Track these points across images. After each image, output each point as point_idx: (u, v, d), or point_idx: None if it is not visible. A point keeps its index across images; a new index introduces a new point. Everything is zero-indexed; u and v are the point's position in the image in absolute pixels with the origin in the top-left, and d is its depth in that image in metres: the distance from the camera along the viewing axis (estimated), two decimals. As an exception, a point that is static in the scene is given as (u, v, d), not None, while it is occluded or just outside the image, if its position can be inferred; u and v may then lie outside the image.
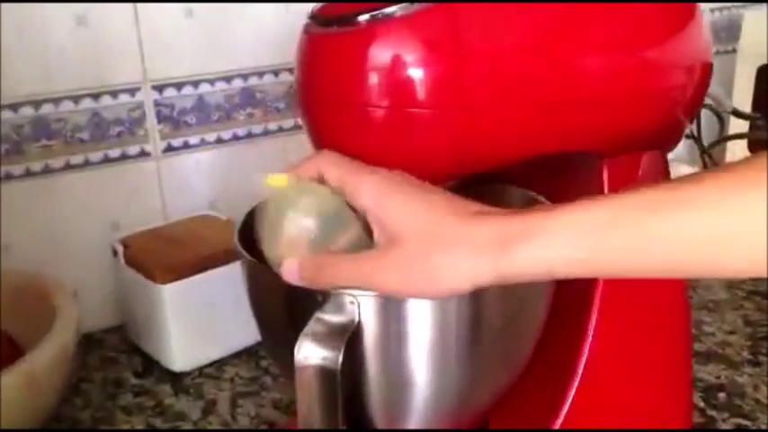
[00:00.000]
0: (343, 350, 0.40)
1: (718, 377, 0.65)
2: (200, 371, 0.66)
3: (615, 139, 0.49)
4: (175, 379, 0.65)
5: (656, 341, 0.56)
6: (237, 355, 0.68)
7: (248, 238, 0.48)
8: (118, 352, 0.70)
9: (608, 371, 0.53)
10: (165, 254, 0.65)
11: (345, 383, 0.41)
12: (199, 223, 0.70)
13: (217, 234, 0.67)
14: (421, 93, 0.42)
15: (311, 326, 0.41)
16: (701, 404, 0.62)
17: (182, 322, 0.63)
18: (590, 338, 0.52)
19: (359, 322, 0.41)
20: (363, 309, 0.41)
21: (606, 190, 0.51)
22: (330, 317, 0.41)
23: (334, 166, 0.41)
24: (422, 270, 0.38)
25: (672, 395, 0.58)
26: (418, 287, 0.38)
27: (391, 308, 0.42)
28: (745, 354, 0.68)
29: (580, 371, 0.52)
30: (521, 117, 0.44)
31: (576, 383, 0.52)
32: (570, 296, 0.50)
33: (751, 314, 0.75)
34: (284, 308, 0.44)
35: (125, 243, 0.66)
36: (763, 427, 0.59)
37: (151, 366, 0.67)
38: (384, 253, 0.39)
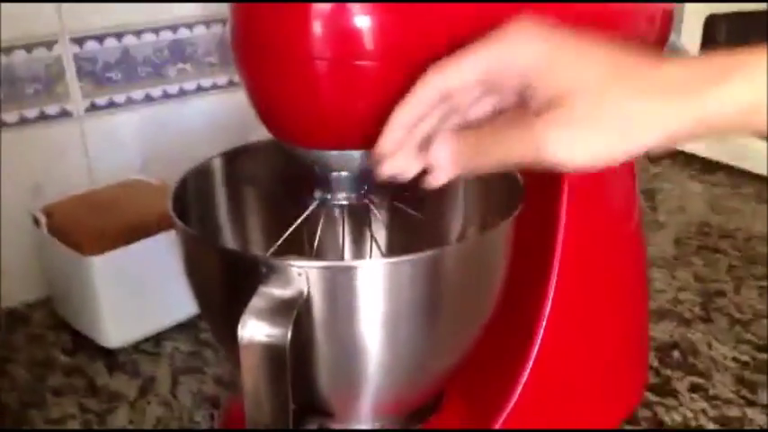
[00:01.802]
0: (291, 326, 0.37)
1: (671, 335, 0.64)
2: (136, 347, 0.62)
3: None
4: (109, 356, 0.61)
5: (614, 304, 0.54)
6: (176, 328, 0.64)
7: (184, 205, 0.44)
8: (45, 328, 0.65)
9: (568, 335, 0.51)
10: (93, 222, 0.60)
11: (294, 360, 0.38)
12: (128, 188, 0.65)
13: (148, 200, 0.63)
14: (369, 43, 0.38)
15: (255, 301, 0.37)
16: (656, 363, 0.61)
17: (113, 296, 0.59)
18: (550, 301, 0.50)
19: (308, 295, 0.38)
20: (312, 280, 0.38)
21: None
22: (276, 290, 0.38)
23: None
24: (609, 122, 0.32)
25: (630, 356, 0.57)
26: (603, 145, 0.33)
27: (343, 278, 0.38)
28: (697, 310, 0.68)
29: (539, 336, 0.50)
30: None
31: (535, 349, 0.50)
32: (529, 258, 0.48)
33: (700, 270, 0.74)
34: (224, 282, 0.41)
35: (48, 211, 0.61)
36: (717, 383, 0.58)
37: (82, 343, 0.62)
38: (557, 112, 0.33)
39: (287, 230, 0.45)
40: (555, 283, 0.50)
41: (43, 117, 0.66)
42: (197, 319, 0.64)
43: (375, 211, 0.47)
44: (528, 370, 0.50)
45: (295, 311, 0.37)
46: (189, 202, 0.44)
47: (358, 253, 0.52)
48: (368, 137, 0.41)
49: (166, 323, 0.63)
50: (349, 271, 0.38)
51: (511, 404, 0.50)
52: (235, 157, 0.48)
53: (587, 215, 0.50)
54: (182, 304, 0.61)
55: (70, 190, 0.65)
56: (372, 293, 0.39)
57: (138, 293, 0.60)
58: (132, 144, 0.71)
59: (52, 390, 0.57)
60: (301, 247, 0.48)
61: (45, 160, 0.66)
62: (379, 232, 0.50)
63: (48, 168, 0.67)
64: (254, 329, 0.37)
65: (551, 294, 0.50)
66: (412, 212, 0.50)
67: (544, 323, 0.50)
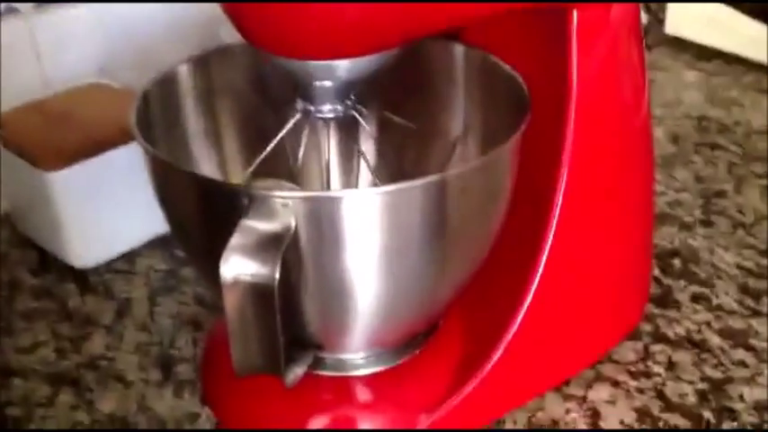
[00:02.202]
0: (279, 264, 0.33)
1: (671, 242, 0.61)
2: (109, 266, 0.58)
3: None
4: (80, 277, 0.57)
5: (623, 208, 0.50)
6: (149, 244, 0.59)
7: (148, 122, 0.39)
8: (9, 246, 0.60)
9: (575, 245, 0.47)
10: (50, 134, 0.54)
11: (283, 300, 0.34)
12: (88, 94, 0.59)
13: (110, 107, 0.57)
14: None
15: (238, 236, 0.33)
16: (657, 272, 0.58)
17: (78, 213, 0.54)
18: (558, 207, 0.45)
19: (296, 229, 0.34)
20: (299, 212, 0.34)
21: (575, 45, 0.43)
22: (260, 224, 0.34)
23: None
24: None
25: (635, 267, 0.54)
26: None
27: (335, 208, 0.34)
28: (698, 213, 0.65)
29: (546, 248, 0.46)
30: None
31: (541, 262, 0.46)
32: (535, 158, 0.44)
33: (701, 169, 0.71)
34: (201, 212, 0.37)
35: (0, 122, 0.56)
36: (720, 292, 0.56)
37: (50, 263, 0.58)
38: None
39: (266, 147, 0.41)
40: (564, 186, 0.45)
41: (-13, 14, 0.59)
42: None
43: (363, 123, 0.42)
44: (534, 285, 0.47)
45: (283, 247, 0.33)
46: (154, 118, 0.39)
47: (346, 172, 0.48)
48: (355, 44, 0.36)
49: (139, 239, 0.59)
50: (339, 201, 0.34)
51: (515, 324, 0.47)
52: (205, 63, 0.43)
53: (598, 103, 0.46)
54: (154, 219, 0.55)
55: (22, 97, 0.59)
56: (364, 225, 0.35)
57: (105, 209, 0.56)
58: (89, 45, 0.64)
59: (21, 314, 0.54)
60: (284, 165, 0.44)
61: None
62: (369, 146, 0.46)
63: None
64: (239, 267, 0.33)
65: (560, 199, 0.46)
66: (404, 123, 0.46)
67: (552, 232, 0.46)
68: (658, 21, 0.98)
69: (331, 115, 0.40)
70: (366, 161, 0.44)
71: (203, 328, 0.52)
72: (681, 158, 0.72)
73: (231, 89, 0.44)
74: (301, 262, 0.35)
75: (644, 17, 0.99)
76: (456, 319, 0.47)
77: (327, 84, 0.39)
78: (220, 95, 0.44)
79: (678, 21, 0.96)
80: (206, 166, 0.43)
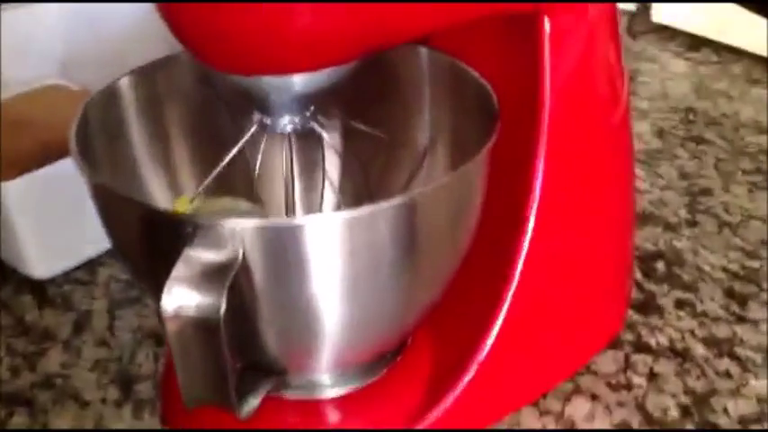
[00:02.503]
0: (225, 296, 0.31)
1: (655, 243, 0.59)
2: (68, 276, 0.55)
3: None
4: (38, 288, 0.55)
5: (602, 210, 0.48)
6: (110, 253, 0.57)
7: (89, 141, 0.37)
8: (-35, 256, 0.58)
9: (551, 251, 0.45)
10: (5, 141, 0.52)
11: (235, 324, 0.32)
12: (46, 97, 0.57)
13: (68, 110, 0.53)
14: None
15: (181, 266, 0.31)
16: (639, 276, 0.56)
17: (33, 223, 0.52)
18: (533, 211, 0.43)
19: (244, 258, 0.32)
20: (249, 241, 0.31)
21: (547, 51, 0.41)
22: (205, 253, 0.31)
23: None
24: None
25: (616, 272, 0.52)
26: None
27: (287, 237, 0.32)
28: (683, 213, 0.63)
29: (521, 255, 0.44)
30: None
31: (517, 270, 0.44)
32: (506, 183, 0.42)
33: (686, 164, 0.69)
34: (145, 242, 0.34)
35: (-49, 128, 0.53)
36: (705, 297, 0.54)
37: (5, 274, 0.56)
38: None
39: (221, 161, 0.38)
40: (538, 192, 0.43)
41: (-64, 13, 0.56)
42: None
43: (325, 136, 0.40)
44: (508, 295, 0.45)
45: (229, 278, 0.31)
46: (95, 135, 0.37)
47: (309, 187, 0.45)
48: (310, 58, 0.33)
49: (100, 248, 0.56)
50: (294, 230, 0.32)
51: (488, 338, 0.45)
52: (150, 74, 0.40)
53: (571, 107, 0.43)
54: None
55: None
56: (325, 253, 0.32)
57: (63, 218, 0.53)
58: (49, 43, 0.61)
59: (-26, 330, 0.52)
60: (243, 179, 0.41)
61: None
62: (333, 158, 0.43)
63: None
64: (181, 299, 0.31)
65: (534, 205, 0.44)
66: (373, 131, 0.44)
67: (526, 239, 0.44)
68: (645, 8, 0.95)
69: (289, 128, 0.38)
70: (328, 177, 0.42)
71: (164, 342, 0.50)
72: (666, 154, 0.70)
73: (181, 100, 0.41)
74: (255, 290, 0.33)
75: (631, 5, 0.96)
76: (426, 335, 0.45)
77: (284, 97, 0.36)
78: (169, 107, 0.41)
79: (665, 8, 0.93)
80: (155, 184, 0.41)
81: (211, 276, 0.31)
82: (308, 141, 0.43)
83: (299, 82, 0.35)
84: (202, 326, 0.31)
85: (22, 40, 0.60)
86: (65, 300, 0.54)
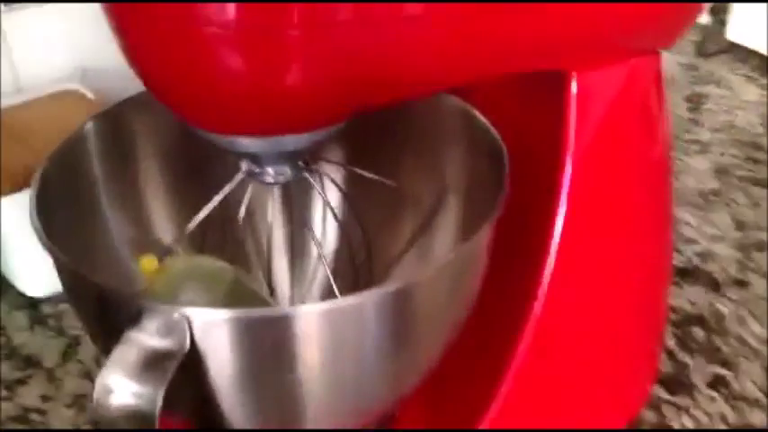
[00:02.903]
0: (164, 387, 0.28)
1: (694, 303, 0.54)
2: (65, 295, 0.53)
3: (585, 46, 0.34)
4: (33, 306, 0.53)
5: (628, 265, 0.43)
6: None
7: (54, 194, 0.34)
8: (-32, 263, 0.57)
9: (567, 311, 0.40)
10: (7, 151, 0.50)
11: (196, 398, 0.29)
12: (56, 104, 0.55)
13: (77, 121, 0.52)
14: (289, 8, 0.26)
15: (121, 349, 0.28)
16: (672, 343, 0.51)
17: (28, 240, 0.50)
18: (550, 265, 0.39)
19: (192, 348, 0.28)
20: (199, 329, 0.28)
21: (573, 114, 0.36)
22: (149, 338, 0.28)
23: None
24: None
25: (642, 338, 0.47)
26: None
27: (247, 329, 0.28)
28: (732, 270, 0.57)
29: (534, 312, 0.39)
30: (442, 31, 0.28)
31: (527, 330, 0.40)
32: (520, 238, 0.38)
33: (744, 212, 0.62)
34: (97, 315, 0.31)
35: (-47, 135, 0.51)
36: (743, 376, 0.48)
37: (5, 288, 0.54)
38: None
39: (197, 215, 0.35)
40: (555, 248, 0.39)
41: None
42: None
43: (319, 190, 0.36)
44: (514, 363, 0.40)
45: (172, 369, 0.28)
46: (60, 192, 0.34)
47: (299, 243, 0.41)
48: (301, 121, 0.30)
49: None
50: (257, 324, 0.28)
51: (490, 408, 0.41)
52: (121, 114, 0.37)
53: (597, 153, 0.39)
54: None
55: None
56: (298, 345, 0.29)
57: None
58: (67, 47, 0.59)
59: (-37, 348, 0.50)
60: (224, 230, 0.38)
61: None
62: (329, 209, 0.39)
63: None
64: (115, 385, 0.28)
65: (550, 262, 0.39)
66: (376, 178, 0.39)
67: (540, 301, 0.40)
68: (720, 23, 0.88)
69: (279, 179, 0.34)
70: (316, 241, 0.38)
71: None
72: (722, 197, 0.64)
73: (156, 140, 0.38)
74: (209, 378, 0.29)
75: (705, 18, 0.89)
76: (415, 409, 0.41)
77: (270, 153, 0.33)
78: (142, 148, 0.38)
79: (742, 26, 0.86)
80: (126, 238, 0.37)
81: (153, 364, 0.28)
82: (301, 187, 0.39)
83: (287, 141, 0.31)
84: (137, 418, 0.28)
85: (37, 43, 0.58)
86: (57, 321, 0.52)
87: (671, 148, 0.44)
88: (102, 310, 0.30)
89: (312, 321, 0.28)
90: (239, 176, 0.35)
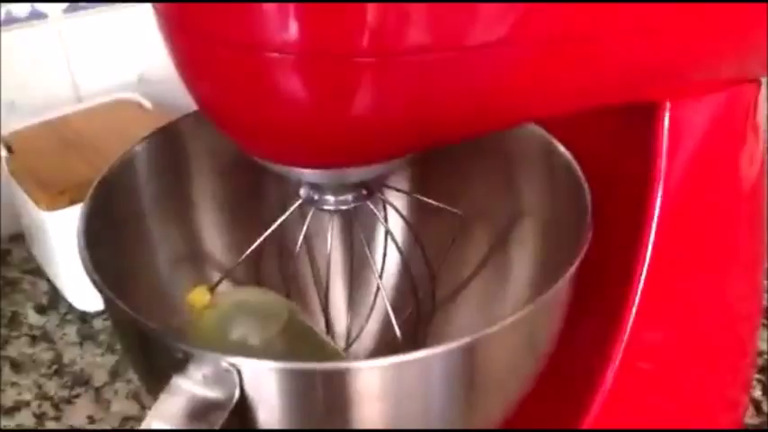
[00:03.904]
0: (213, 440, 0.25)
1: (784, 349, 0.50)
2: (116, 310, 0.52)
3: (682, 75, 0.31)
4: (84, 320, 0.51)
5: (718, 304, 0.39)
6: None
7: (105, 214, 0.32)
8: (22, 271, 0.56)
9: (651, 349, 0.37)
10: (56, 165, 0.48)
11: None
12: (113, 113, 0.53)
13: (132, 131, 0.50)
14: (360, 33, 0.23)
15: (166, 398, 0.26)
16: (758, 393, 0.47)
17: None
18: (636, 301, 0.36)
19: (241, 398, 0.26)
20: (249, 380, 0.26)
21: (665, 145, 0.33)
22: (197, 386, 0.26)
23: None
24: None
25: (727, 384, 0.43)
26: None
27: (301, 385, 0.26)
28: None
29: (614, 365, 0.36)
30: (527, 58, 0.25)
31: (606, 386, 0.37)
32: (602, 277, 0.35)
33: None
34: (141, 357, 0.29)
35: (9, 144, 0.50)
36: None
37: (57, 298, 0.53)
38: None
39: (252, 245, 0.33)
40: (643, 279, 0.36)
41: (10, 20, 0.53)
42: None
43: (381, 219, 0.34)
44: (595, 404, 0.37)
45: (220, 421, 0.26)
46: (111, 208, 0.32)
47: (359, 276, 0.39)
48: (364, 154, 0.27)
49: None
50: (311, 377, 0.26)
51: None
52: (174, 135, 0.35)
53: (687, 201, 0.35)
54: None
55: (53, 111, 0.54)
56: (355, 402, 0.26)
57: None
58: (126, 53, 0.58)
59: (11, 361, 0.49)
60: (279, 259, 0.36)
61: (16, 74, 0.54)
62: (391, 238, 0.36)
63: (22, 84, 0.54)
64: (162, 439, 0.26)
65: (637, 298, 0.36)
66: (443, 206, 0.37)
67: (623, 344, 0.36)
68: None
69: (340, 207, 0.32)
70: (375, 271, 0.35)
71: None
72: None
73: (209, 162, 0.36)
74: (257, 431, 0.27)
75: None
76: None
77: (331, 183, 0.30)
78: (196, 171, 0.36)
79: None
80: (175, 261, 0.35)
81: (200, 415, 0.26)
82: (363, 214, 0.36)
83: (350, 173, 0.29)
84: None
85: (95, 49, 0.56)
86: (109, 338, 0.50)
87: (765, 180, 0.41)
88: (148, 351, 0.28)
89: (371, 377, 0.26)
90: (297, 204, 0.33)
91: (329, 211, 0.32)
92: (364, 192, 0.33)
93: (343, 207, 0.32)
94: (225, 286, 0.36)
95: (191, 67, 0.26)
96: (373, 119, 0.25)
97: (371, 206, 0.33)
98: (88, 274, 0.28)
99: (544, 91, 0.27)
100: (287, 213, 0.33)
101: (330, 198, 0.32)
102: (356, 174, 0.29)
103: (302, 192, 0.33)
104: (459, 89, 0.25)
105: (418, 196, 0.37)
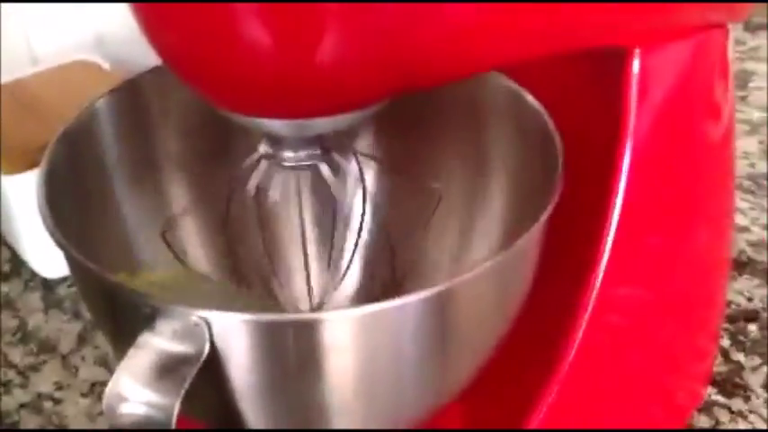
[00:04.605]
0: (181, 396, 0.25)
1: (750, 298, 0.50)
2: (81, 276, 0.51)
3: (651, 19, 0.31)
4: (48, 287, 0.50)
5: (688, 257, 0.40)
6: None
7: (63, 177, 0.31)
8: (-19, 241, 0.54)
9: (622, 306, 0.37)
10: (13, 129, 0.47)
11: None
12: (71, 74, 0.52)
13: (91, 93, 0.49)
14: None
15: (134, 354, 0.25)
16: (726, 341, 0.47)
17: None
18: (605, 256, 0.36)
19: (211, 352, 0.25)
20: (218, 334, 0.25)
21: (634, 94, 0.33)
22: (165, 342, 0.25)
23: None
24: None
25: (698, 336, 0.43)
26: None
27: (271, 334, 0.26)
28: (790, 259, 0.53)
29: (588, 308, 0.36)
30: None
31: (581, 326, 0.37)
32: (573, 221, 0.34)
33: (800, 195, 0.58)
34: (108, 315, 0.28)
35: (-36, 108, 0.49)
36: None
37: (20, 265, 0.52)
38: None
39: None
40: (613, 231, 0.36)
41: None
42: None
43: (353, 169, 0.33)
44: (564, 363, 0.37)
45: (189, 375, 0.25)
46: (71, 169, 0.31)
47: (323, 235, 0.38)
48: (328, 102, 0.27)
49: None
50: (282, 328, 0.25)
51: (540, 406, 0.38)
52: (137, 91, 0.34)
53: (656, 137, 0.35)
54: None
55: (7, 73, 0.52)
56: (326, 353, 0.26)
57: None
58: (84, 13, 0.56)
59: (-24, 332, 0.48)
60: (249, 217, 0.35)
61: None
62: (358, 201, 0.36)
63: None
64: (129, 393, 0.25)
65: (606, 250, 0.36)
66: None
67: (592, 295, 0.36)
68: (770, -6, 0.83)
69: (301, 163, 0.31)
70: (349, 224, 0.35)
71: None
72: (777, 180, 0.60)
73: (174, 120, 0.35)
74: (231, 384, 0.27)
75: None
76: (452, 410, 0.38)
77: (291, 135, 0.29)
78: (160, 130, 0.35)
79: (795, -3, 0.81)
80: (139, 224, 0.34)
81: (169, 371, 0.25)
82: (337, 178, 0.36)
83: (314, 124, 0.28)
84: (151, 428, 0.25)
85: (51, 11, 0.54)
86: (73, 304, 0.49)
87: (734, 131, 0.41)
88: (114, 308, 0.27)
89: (341, 328, 0.26)
90: (255, 158, 0.32)
91: (288, 167, 0.32)
92: (323, 149, 0.32)
93: (303, 164, 0.31)
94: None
95: (154, 16, 0.25)
96: (337, 66, 0.25)
97: (341, 164, 0.33)
98: (49, 230, 0.28)
99: (509, 35, 0.26)
100: (243, 166, 0.32)
101: (289, 154, 0.31)
102: (321, 125, 0.28)
103: (261, 147, 0.32)
104: (421, 36, 0.25)
105: (372, 159, 0.36)
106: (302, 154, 0.31)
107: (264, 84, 0.25)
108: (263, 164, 0.32)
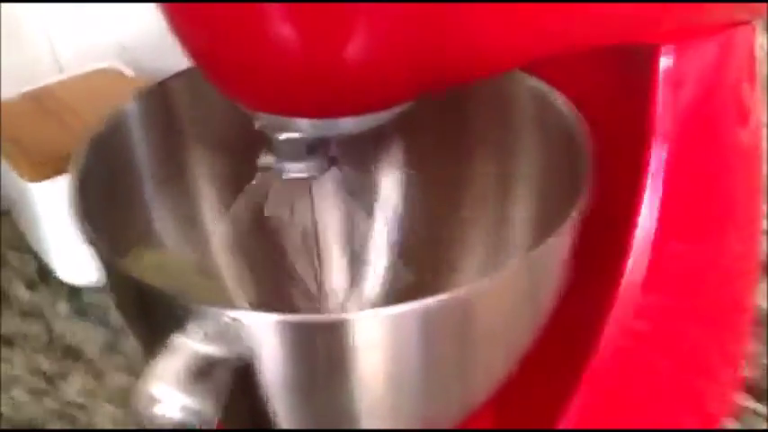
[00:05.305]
0: (220, 400, 0.25)
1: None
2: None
3: (679, 16, 0.30)
4: (74, 295, 0.51)
5: (717, 263, 0.39)
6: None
7: (95, 183, 0.31)
8: (8, 247, 0.55)
9: (637, 332, 0.37)
10: (40, 135, 0.47)
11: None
12: (95, 82, 0.52)
13: (116, 100, 0.49)
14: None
15: (166, 357, 0.25)
16: (757, 345, 0.47)
17: (67, 227, 0.48)
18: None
19: (244, 353, 0.25)
20: (255, 335, 0.25)
21: (661, 92, 0.32)
22: (200, 344, 0.25)
23: None
24: None
25: (728, 341, 0.43)
26: None
27: (305, 335, 0.26)
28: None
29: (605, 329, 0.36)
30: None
31: (598, 348, 0.36)
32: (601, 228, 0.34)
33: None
34: (141, 317, 0.28)
35: (-10, 116, 0.49)
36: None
37: (47, 274, 0.52)
38: None
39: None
40: (641, 234, 0.35)
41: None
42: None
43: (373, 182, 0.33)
44: (595, 362, 0.37)
45: (225, 379, 0.25)
46: (101, 174, 0.31)
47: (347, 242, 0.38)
48: (354, 100, 0.27)
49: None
50: (317, 328, 0.25)
51: (569, 410, 0.37)
52: (166, 95, 0.34)
53: (685, 137, 0.35)
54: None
55: (29, 81, 0.52)
56: (355, 353, 0.26)
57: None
58: (108, 21, 0.56)
59: (2, 339, 0.48)
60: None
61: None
62: (386, 204, 0.36)
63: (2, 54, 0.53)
64: (163, 398, 0.25)
65: (634, 254, 0.36)
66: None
67: (624, 291, 0.36)
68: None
69: (302, 175, 0.30)
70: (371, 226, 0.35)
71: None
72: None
73: (203, 124, 0.35)
74: (258, 389, 0.26)
75: None
76: (485, 415, 0.38)
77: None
78: (189, 135, 0.35)
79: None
80: (169, 228, 0.35)
81: (204, 374, 0.25)
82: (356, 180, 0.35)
83: (341, 124, 0.28)
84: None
85: (76, 18, 0.55)
86: (101, 311, 0.49)
87: (763, 132, 0.40)
88: (148, 313, 0.27)
89: (374, 328, 0.25)
90: (260, 172, 0.31)
91: (296, 178, 0.31)
92: (324, 161, 0.31)
93: (303, 175, 0.31)
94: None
95: (183, 15, 0.25)
96: (365, 61, 0.25)
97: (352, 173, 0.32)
98: (84, 235, 0.28)
99: (540, 28, 0.26)
100: (251, 184, 0.32)
101: (290, 166, 0.30)
102: (347, 125, 0.28)
103: (261, 160, 0.31)
104: (448, 33, 0.25)
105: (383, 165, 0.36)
106: (307, 165, 0.30)
107: (291, 81, 0.25)
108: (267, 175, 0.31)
